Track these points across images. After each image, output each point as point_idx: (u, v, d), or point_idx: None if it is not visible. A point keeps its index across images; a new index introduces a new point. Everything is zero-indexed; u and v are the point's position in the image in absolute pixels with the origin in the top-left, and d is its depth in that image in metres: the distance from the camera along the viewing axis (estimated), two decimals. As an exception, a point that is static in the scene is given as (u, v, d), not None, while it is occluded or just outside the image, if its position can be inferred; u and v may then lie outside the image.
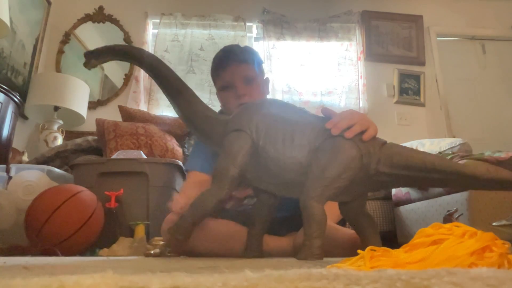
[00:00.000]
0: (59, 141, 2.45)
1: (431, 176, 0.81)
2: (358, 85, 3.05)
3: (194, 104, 1.00)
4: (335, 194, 0.83)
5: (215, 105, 2.91)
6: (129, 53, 1.00)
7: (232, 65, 1.22)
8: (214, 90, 3.14)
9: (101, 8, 3.08)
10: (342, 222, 1.21)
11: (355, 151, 0.83)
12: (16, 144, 2.24)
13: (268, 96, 1.39)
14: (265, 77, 1.33)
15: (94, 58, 0.97)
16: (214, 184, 0.89)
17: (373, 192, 0.92)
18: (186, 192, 1.19)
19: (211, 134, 0.98)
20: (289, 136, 0.88)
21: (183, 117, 1.01)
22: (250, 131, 0.91)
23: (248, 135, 0.91)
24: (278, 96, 2.98)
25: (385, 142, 0.86)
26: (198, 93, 3.37)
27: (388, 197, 2.06)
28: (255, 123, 0.92)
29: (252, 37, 3.20)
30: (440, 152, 2.02)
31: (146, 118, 2.28)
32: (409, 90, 3.12)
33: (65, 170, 1.84)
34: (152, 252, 1.17)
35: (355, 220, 0.92)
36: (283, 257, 1.06)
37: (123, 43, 3.02)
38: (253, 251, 0.95)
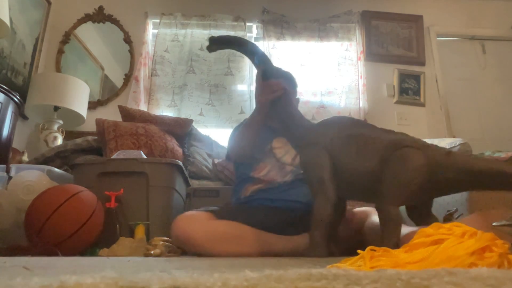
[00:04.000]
0: (59, 141, 2.45)
1: (492, 180, 0.91)
2: (358, 85, 3.05)
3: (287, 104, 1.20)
4: (407, 198, 0.95)
5: (215, 105, 2.91)
6: (244, 46, 1.23)
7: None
8: (214, 90, 3.13)
9: (101, 8, 3.07)
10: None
11: (423, 160, 0.93)
12: (16, 144, 2.24)
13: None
14: (296, 97, 1.57)
15: (216, 44, 1.23)
16: (320, 195, 1.03)
17: (438, 196, 1.06)
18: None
19: (292, 132, 1.17)
20: (361, 148, 1.01)
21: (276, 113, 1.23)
22: (325, 144, 1.06)
23: (323, 147, 1.06)
24: (278, 96, 2.98)
25: (450, 151, 0.97)
26: (198, 93, 3.34)
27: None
28: (330, 138, 1.07)
29: (252, 37, 3.20)
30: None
31: (146, 118, 2.28)
32: (409, 90, 3.12)
33: (65, 170, 1.84)
34: (152, 252, 1.17)
35: (420, 222, 1.04)
36: (293, 256, 1.14)
37: (123, 43, 3.03)
38: (319, 251, 1.03)
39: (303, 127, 1.16)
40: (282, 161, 1.41)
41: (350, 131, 1.06)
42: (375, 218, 1.26)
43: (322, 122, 1.15)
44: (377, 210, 0.95)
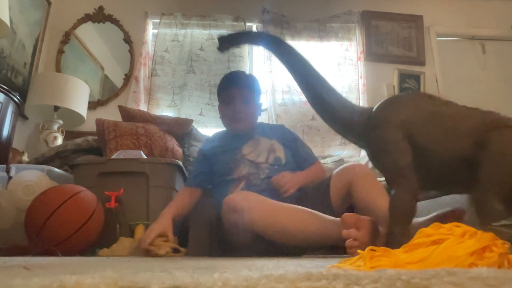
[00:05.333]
0: (59, 141, 2.45)
1: None
2: (358, 85, 3.05)
3: (329, 92, 0.97)
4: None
5: (215, 105, 2.91)
6: (256, 38, 1.11)
7: (236, 86, 1.49)
8: (214, 90, 3.13)
9: (101, 8, 3.07)
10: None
11: None
12: (16, 144, 2.24)
13: (265, 104, 1.57)
14: (259, 102, 1.57)
15: (227, 42, 1.07)
16: (401, 184, 0.85)
17: None
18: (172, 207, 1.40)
19: (350, 123, 0.96)
20: (449, 129, 0.84)
21: (317, 104, 0.99)
22: (399, 123, 0.88)
23: (398, 128, 0.87)
24: (278, 96, 2.97)
25: None
26: (198, 93, 3.34)
27: (388, 197, 2.06)
28: (404, 117, 0.88)
29: (252, 37, 3.20)
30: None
31: (146, 118, 2.28)
32: (409, 90, 3.12)
33: (65, 170, 1.84)
34: (157, 252, 1.17)
35: None
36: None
37: (123, 43, 3.02)
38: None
39: (362, 111, 0.97)
40: (256, 162, 1.44)
41: (431, 108, 0.88)
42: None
43: (389, 99, 0.96)
44: (474, 203, 0.81)
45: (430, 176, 0.87)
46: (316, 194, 1.38)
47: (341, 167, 1.40)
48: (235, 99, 1.48)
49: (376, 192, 1.25)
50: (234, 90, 1.49)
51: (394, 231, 0.85)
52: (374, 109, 0.95)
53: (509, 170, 0.77)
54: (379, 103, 0.95)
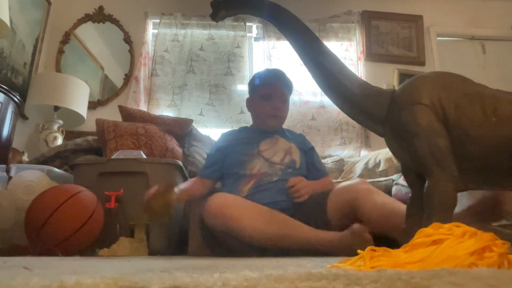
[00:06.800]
0: (59, 141, 2.45)
1: None
2: (358, 85, 3.05)
3: (342, 71, 0.87)
4: None
5: (215, 105, 2.91)
6: (255, 5, 0.99)
7: (278, 84, 1.53)
8: (214, 90, 3.12)
9: (101, 8, 3.07)
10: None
11: None
12: (16, 144, 2.24)
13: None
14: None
15: (223, 8, 0.96)
16: (438, 170, 0.74)
17: None
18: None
19: (370, 105, 0.86)
20: (491, 110, 0.75)
21: (328, 85, 0.88)
22: (432, 104, 0.78)
23: (430, 109, 0.78)
24: (278, 96, 2.97)
25: None
26: (198, 93, 3.32)
27: (388, 197, 2.06)
28: (437, 96, 0.79)
29: (252, 37, 3.20)
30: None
31: (146, 118, 2.28)
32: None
33: (65, 170, 1.84)
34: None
35: None
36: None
37: (123, 43, 3.02)
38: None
39: (382, 92, 0.88)
40: (271, 161, 1.44)
41: (466, 89, 0.79)
42: (382, 198, 1.21)
43: (414, 78, 0.86)
44: None
45: (466, 165, 0.76)
46: (312, 206, 1.36)
47: (341, 185, 1.39)
48: (275, 96, 1.51)
49: (390, 199, 1.27)
50: (275, 87, 1.53)
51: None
52: (398, 89, 0.86)
53: None
54: (404, 82, 0.86)
